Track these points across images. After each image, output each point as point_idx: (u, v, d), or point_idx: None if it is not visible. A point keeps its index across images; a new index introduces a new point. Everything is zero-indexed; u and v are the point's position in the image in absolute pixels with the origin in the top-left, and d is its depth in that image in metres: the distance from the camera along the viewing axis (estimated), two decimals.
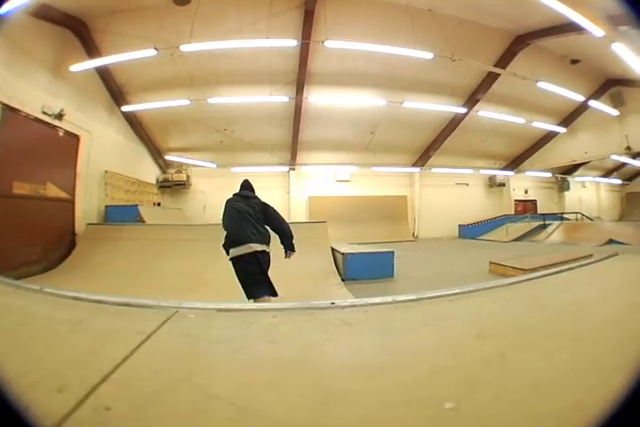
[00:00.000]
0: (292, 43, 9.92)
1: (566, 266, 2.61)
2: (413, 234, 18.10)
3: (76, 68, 8.91)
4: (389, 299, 1.84)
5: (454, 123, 15.79)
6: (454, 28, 10.92)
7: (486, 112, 14.79)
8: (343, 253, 7.04)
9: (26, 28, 7.53)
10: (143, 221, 9.57)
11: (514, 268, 6.88)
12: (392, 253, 7.42)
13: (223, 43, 9.40)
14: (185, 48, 9.07)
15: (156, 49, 8.75)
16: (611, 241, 12.53)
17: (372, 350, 1.27)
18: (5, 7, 5.57)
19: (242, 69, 11.45)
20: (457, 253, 11.81)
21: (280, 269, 6.23)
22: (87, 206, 9.43)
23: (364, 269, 6.92)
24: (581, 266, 2.71)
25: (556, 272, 2.43)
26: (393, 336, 1.39)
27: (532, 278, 2.29)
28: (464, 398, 0.93)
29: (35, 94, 7.79)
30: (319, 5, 9.99)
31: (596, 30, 8.76)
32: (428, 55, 10.41)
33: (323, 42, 9.70)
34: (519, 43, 11.94)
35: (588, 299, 1.85)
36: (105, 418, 0.89)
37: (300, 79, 12.28)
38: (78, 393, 0.96)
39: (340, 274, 6.94)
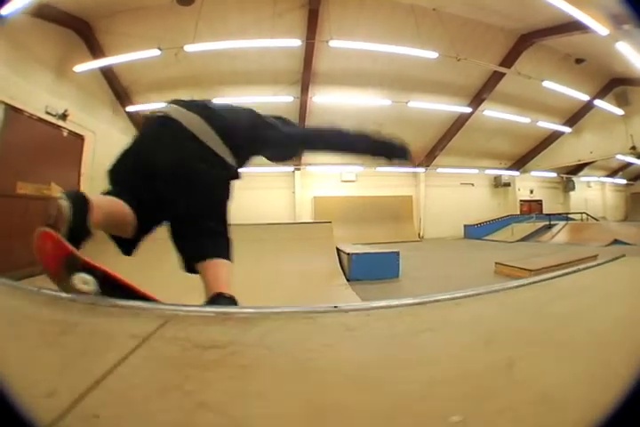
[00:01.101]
0: (296, 42, 9.89)
1: (573, 268, 2.50)
2: (419, 234, 18.12)
3: (80, 68, 8.91)
4: (394, 302, 1.74)
5: (459, 122, 15.84)
6: (459, 27, 10.95)
7: (492, 112, 14.85)
8: (348, 254, 6.96)
9: (29, 29, 7.55)
10: None
11: (520, 268, 6.83)
12: (397, 253, 7.38)
13: (227, 43, 9.36)
14: (189, 48, 9.01)
15: (159, 49, 8.73)
16: (616, 241, 12.46)
17: (374, 357, 1.19)
18: (8, 7, 5.57)
19: (246, 69, 11.48)
20: (462, 254, 11.89)
21: (284, 269, 6.15)
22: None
23: (370, 270, 6.90)
24: (588, 268, 2.62)
25: (563, 275, 2.35)
26: (396, 342, 1.32)
27: (537, 281, 2.19)
28: (471, 410, 0.86)
29: (38, 95, 7.78)
30: (323, 5, 9.97)
31: (600, 29, 8.77)
32: (433, 55, 10.49)
33: (327, 41, 9.68)
34: (524, 42, 11.95)
35: (595, 304, 1.75)
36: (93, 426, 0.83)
37: (305, 79, 12.34)
38: (67, 399, 0.89)
39: (345, 274, 6.87)
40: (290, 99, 12.45)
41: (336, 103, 13.45)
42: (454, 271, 8.03)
